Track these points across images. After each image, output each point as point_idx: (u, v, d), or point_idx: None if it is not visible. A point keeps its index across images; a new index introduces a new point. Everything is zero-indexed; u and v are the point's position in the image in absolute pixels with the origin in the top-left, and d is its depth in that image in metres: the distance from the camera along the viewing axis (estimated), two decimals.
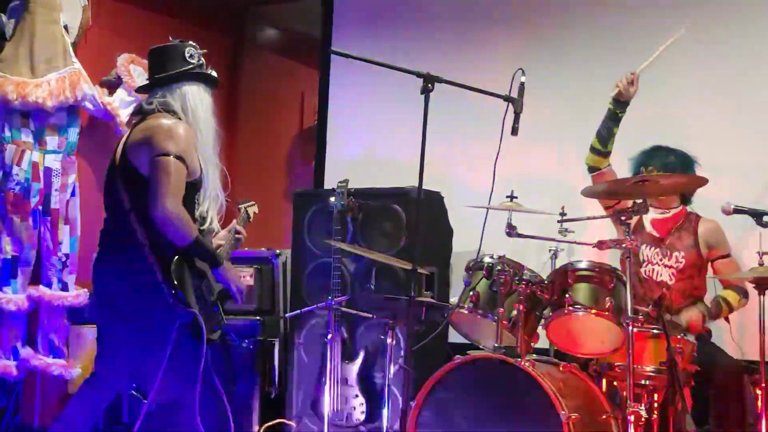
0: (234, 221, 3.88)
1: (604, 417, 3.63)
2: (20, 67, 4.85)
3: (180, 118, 3.48)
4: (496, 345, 3.75)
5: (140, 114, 3.56)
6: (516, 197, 4.05)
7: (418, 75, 3.24)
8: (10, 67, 4.85)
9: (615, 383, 3.84)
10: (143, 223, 3.38)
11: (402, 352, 4.45)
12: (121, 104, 5.23)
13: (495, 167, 3.42)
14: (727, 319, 4.26)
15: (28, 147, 4.88)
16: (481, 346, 4.10)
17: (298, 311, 4.73)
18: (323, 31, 6.06)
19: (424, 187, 3.24)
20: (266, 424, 4.95)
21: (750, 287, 3.86)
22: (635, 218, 4.11)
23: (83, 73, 4.99)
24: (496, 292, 3.80)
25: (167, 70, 3.55)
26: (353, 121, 5.90)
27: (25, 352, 4.85)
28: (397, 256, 4.60)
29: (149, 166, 3.36)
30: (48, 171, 4.93)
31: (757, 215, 3.89)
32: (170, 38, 3.65)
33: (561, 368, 3.76)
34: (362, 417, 4.68)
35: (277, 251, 5.25)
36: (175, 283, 3.35)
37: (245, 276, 5.11)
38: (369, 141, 5.82)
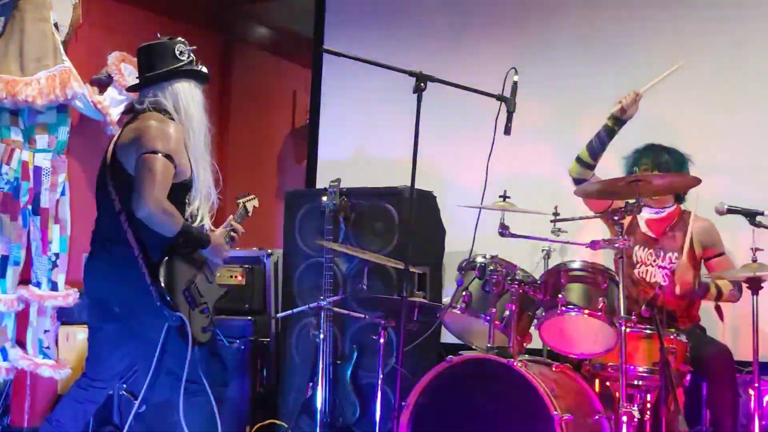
0: (231, 216, 3.87)
1: (596, 417, 3.62)
2: (10, 65, 4.82)
3: (172, 117, 3.46)
4: (488, 345, 3.74)
5: (131, 113, 3.55)
6: (509, 197, 4.03)
7: (411, 74, 3.23)
8: (0, 65, 4.81)
9: (608, 383, 3.83)
10: (133, 224, 3.37)
11: (394, 353, 4.44)
12: (112, 103, 5.20)
13: (488, 167, 3.40)
14: (720, 315, 4.25)
15: (18, 146, 4.85)
16: (473, 347, 4.10)
17: (290, 311, 4.73)
18: (315, 30, 6.04)
19: (416, 186, 3.23)
20: (258, 425, 4.94)
21: (743, 287, 3.85)
22: (628, 218, 4.11)
23: (73, 72, 4.96)
24: (488, 292, 3.80)
25: (157, 69, 3.53)
26: (345, 120, 5.88)
27: (15, 352, 4.82)
28: (389, 256, 4.59)
29: (136, 164, 3.35)
30: (38, 170, 4.90)
31: (750, 215, 3.88)
32: (158, 35, 3.63)
33: (554, 368, 3.75)
34: (354, 417, 4.66)
35: (269, 251, 5.24)
36: (163, 286, 3.34)
37: (235, 276, 5.09)
38: (361, 140, 5.81)
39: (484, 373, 3.66)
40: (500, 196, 4.03)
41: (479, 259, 3.85)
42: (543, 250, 4.57)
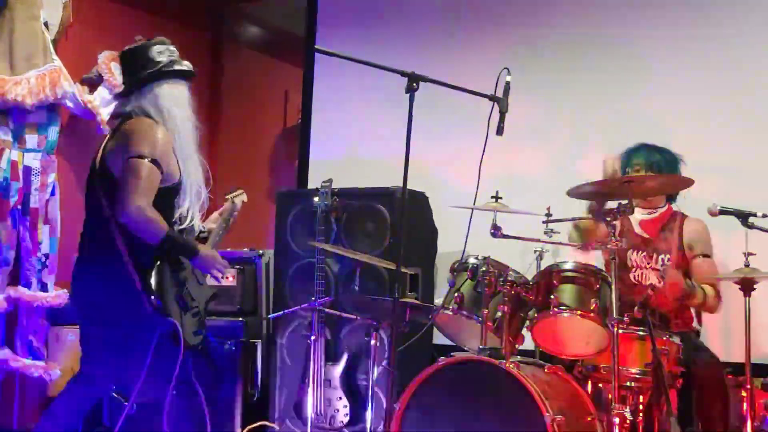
0: (224, 207, 3.85)
1: (589, 419, 3.61)
2: None
3: (157, 121, 3.44)
4: (480, 346, 3.73)
5: (118, 118, 3.54)
6: (501, 198, 4.02)
7: (403, 74, 3.21)
8: None
9: (600, 385, 3.83)
10: (122, 229, 3.35)
11: (386, 354, 4.42)
12: (102, 102, 5.18)
13: (480, 167, 3.39)
14: (698, 319, 4.24)
15: (7, 146, 4.82)
16: (465, 348, 4.09)
17: (281, 312, 4.71)
18: (307, 29, 6.03)
19: (408, 187, 3.21)
20: (249, 427, 4.92)
21: (735, 288, 3.85)
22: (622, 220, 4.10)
23: (64, 71, 4.94)
24: (480, 293, 3.79)
25: (137, 74, 3.51)
26: (337, 120, 5.87)
27: (4, 353, 4.79)
28: (381, 257, 4.58)
29: (122, 168, 3.33)
30: (27, 170, 4.87)
31: (743, 216, 3.88)
32: (136, 38, 3.61)
33: (546, 370, 3.74)
34: (346, 419, 4.65)
35: (260, 252, 5.21)
36: (154, 291, 3.31)
37: (227, 277, 5.06)
38: (353, 140, 5.79)
39: (476, 374, 3.64)
40: (492, 197, 4.02)
41: (471, 260, 3.84)
42: (535, 251, 4.56)
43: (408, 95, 3.18)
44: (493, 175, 3.64)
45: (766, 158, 4.70)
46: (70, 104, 5.02)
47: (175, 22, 5.99)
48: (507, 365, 3.55)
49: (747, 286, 3.78)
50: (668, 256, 4.16)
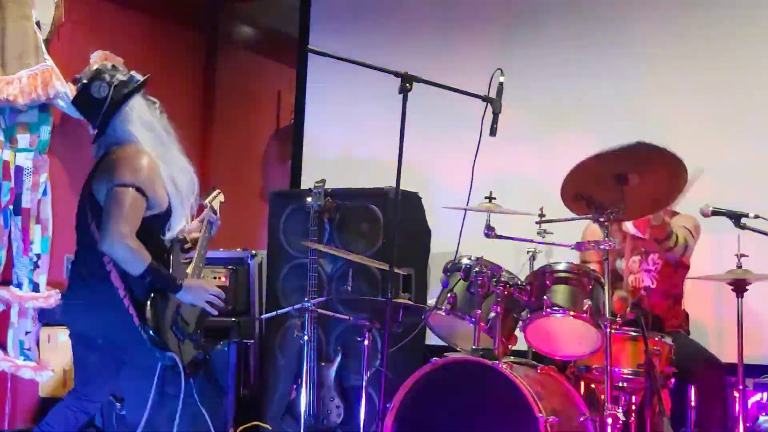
0: (203, 214, 3.84)
1: (581, 419, 3.61)
2: None
3: (140, 148, 3.41)
4: (473, 347, 3.73)
5: (101, 150, 3.50)
6: (494, 198, 4.02)
7: (396, 74, 3.21)
8: None
9: (593, 385, 3.83)
10: (116, 263, 3.33)
11: (379, 354, 4.42)
12: None
13: (473, 168, 3.39)
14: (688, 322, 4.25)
15: None
16: (458, 349, 4.08)
17: (274, 313, 4.70)
18: (300, 29, 6.02)
19: (402, 187, 3.22)
20: (241, 427, 4.91)
21: (728, 289, 3.85)
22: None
23: (56, 71, 4.92)
24: (473, 293, 3.78)
25: (95, 119, 3.46)
26: (330, 120, 5.86)
27: None
28: (374, 257, 4.58)
29: (105, 197, 3.31)
30: (19, 170, 4.86)
31: (735, 217, 3.88)
32: (76, 77, 3.57)
33: (539, 370, 3.74)
34: (339, 419, 4.64)
35: (253, 252, 5.20)
36: (151, 325, 3.31)
37: (219, 277, 5.06)
38: (346, 141, 5.79)
39: (469, 375, 3.64)
40: (485, 197, 4.02)
41: (464, 261, 3.83)
42: (528, 252, 4.56)
43: (401, 96, 3.18)
44: (486, 175, 3.64)
45: (758, 159, 4.72)
46: (62, 104, 5.00)
47: (168, 22, 5.98)
48: (500, 366, 3.55)
49: (739, 287, 3.78)
50: (657, 254, 4.17)
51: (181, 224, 3.51)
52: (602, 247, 3.56)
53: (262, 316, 4.97)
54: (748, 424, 3.89)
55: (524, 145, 5.16)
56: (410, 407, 3.68)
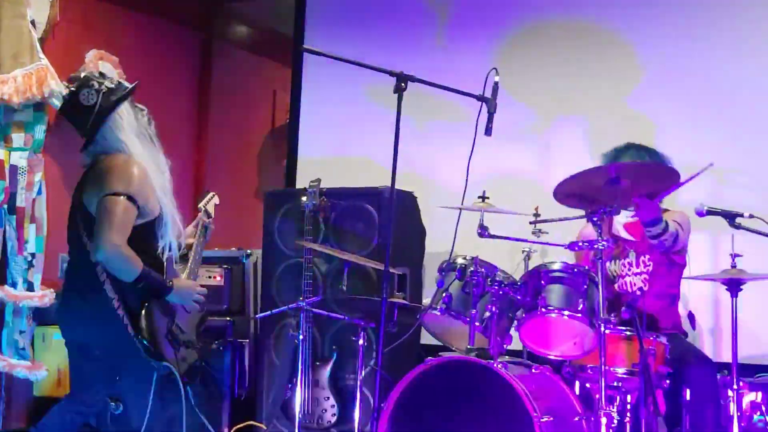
0: (198, 216, 3.84)
1: (576, 419, 3.61)
2: None
3: (129, 156, 3.40)
4: (468, 347, 3.72)
5: (90, 160, 3.49)
6: (488, 198, 4.02)
7: (392, 74, 3.21)
8: None
9: (588, 385, 3.82)
10: (110, 273, 3.32)
11: (374, 354, 4.42)
12: None
13: (468, 167, 3.39)
14: (692, 323, 4.24)
15: None
16: (453, 348, 4.08)
17: (269, 312, 4.69)
18: (296, 29, 6.02)
19: (396, 187, 3.21)
20: (236, 426, 4.90)
21: (722, 289, 3.86)
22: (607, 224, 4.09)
23: (51, 70, 4.91)
24: (468, 293, 3.78)
25: (83, 126, 3.45)
26: (326, 119, 5.86)
27: None
28: (369, 257, 4.57)
29: (97, 206, 3.30)
30: (14, 169, 4.84)
31: (730, 217, 3.88)
32: (71, 77, 3.56)
33: (534, 370, 3.74)
34: (333, 419, 4.64)
35: (248, 251, 5.20)
36: (146, 335, 3.31)
37: (214, 276, 5.05)
38: (341, 140, 5.78)
39: (464, 374, 3.64)
40: (479, 197, 4.02)
41: (459, 260, 3.83)
42: (523, 251, 4.56)
43: (396, 95, 3.17)
44: (481, 175, 3.64)
45: (753, 159, 4.72)
46: (57, 103, 4.98)
47: (164, 21, 5.97)
48: (495, 365, 3.55)
49: (734, 287, 3.79)
50: (648, 255, 4.17)
51: (175, 231, 3.49)
52: (596, 246, 3.56)
53: (257, 316, 4.97)
54: (742, 424, 3.89)
55: (519, 144, 5.16)
56: (405, 407, 3.68)
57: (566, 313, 3.67)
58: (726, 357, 3.90)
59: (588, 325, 3.64)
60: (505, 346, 3.89)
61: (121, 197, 3.27)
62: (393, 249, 3.39)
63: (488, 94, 3.36)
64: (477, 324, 3.75)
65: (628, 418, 3.69)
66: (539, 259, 4.51)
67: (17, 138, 4.88)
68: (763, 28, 4.80)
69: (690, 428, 3.93)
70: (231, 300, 5.12)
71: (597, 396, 3.55)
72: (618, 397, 3.69)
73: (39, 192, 4.93)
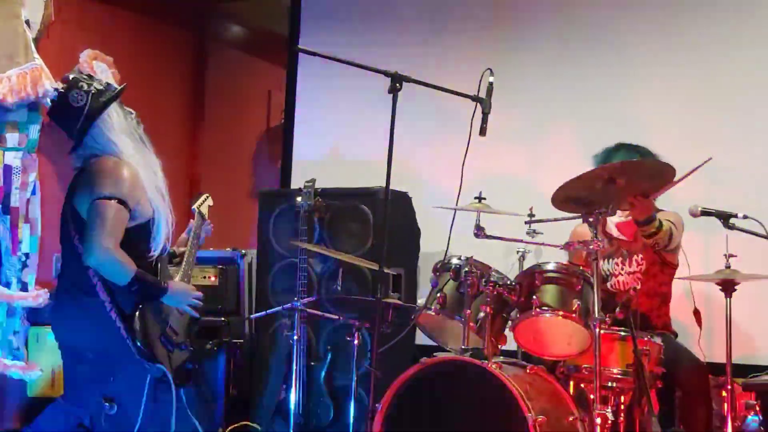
0: (191, 221, 3.83)
1: (570, 419, 3.61)
2: None
3: (116, 156, 3.40)
4: (462, 347, 3.72)
5: (80, 162, 3.47)
6: (484, 198, 4.02)
7: (386, 74, 3.21)
8: None
9: (582, 385, 3.82)
10: (102, 276, 3.32)
11: (368, 354, 4.41)
12: None
13: (463, 168, 3.40)
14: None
15: None
16: (447, 348, 4.08)
17: (264, 312, 4.69)
18: (290, 28, 6.01)
19: (391, 187, 3.21)
20: (231, 426, 4.90)
21: (716, 289, 3.87)
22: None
23: (45, 69, 4.89)
24: (463, 293, 3.78)
25: (72, 129, 3.43)
26: (320, 119, 5.86)
27: None
28: (364, 257, 4.58)
29: (88, 210, 3.29)
30: (8, 169, 4.83)
31: (724, 217, 3.89)
32: (65, 76, 3.54)
33: (528, 370, 3.74)
34: (328, 419, 4.64)
35: (243, 251, 5.20)
36: (140, 337, 3.31)
37: (209, 277, 5.05)
38: (336, 140, 5.78)
39: (458, 375, 3.64)
40: (475, 197, 4.02)
41: (454, 261, 3.84)
42: (518, 252, 4.57)
43: (391, 95, 3.18)
44: (476, 175, 3.64)
45: (747, 160, 4.73)
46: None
47: (158, 21, 5.96)
48: (489, 366, 3.55)
49: (728, 287, 3.79)
50: (641, 255, 4.17)
51: (164, 235, 3.47)
52: (591, 247, 3.57)
53: (252, 316, 4.97)
54: (736, 424, 3.90)
55: (514, 145, 5.16)
56: (399, 407, 3.68)
57: (560, 313, 3.68)
58: (720, 357, 3.90)
59: (582, 326, 3.64)
60: (499, 346, 3.90)
61: (112, 201, 3.26)
62: (388, 249, 3.39)
63: (483, 94, 3.37)
64: (471, 324, 3.75)
65: (622, 418, 3.69)
66: (534, 260, 4.51)
67: (11, 138, 4.87)
68: (757, 27, 4.81)
69: (682, 429, 3.94)
70: (225, 300, 5.11)
71: (591, 396, 3.56)
72: (612, 397, 3.69)
73: (33, 192, 4.91)
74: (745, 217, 3.87)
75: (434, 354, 3.92)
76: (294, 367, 4.57)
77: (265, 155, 7.02)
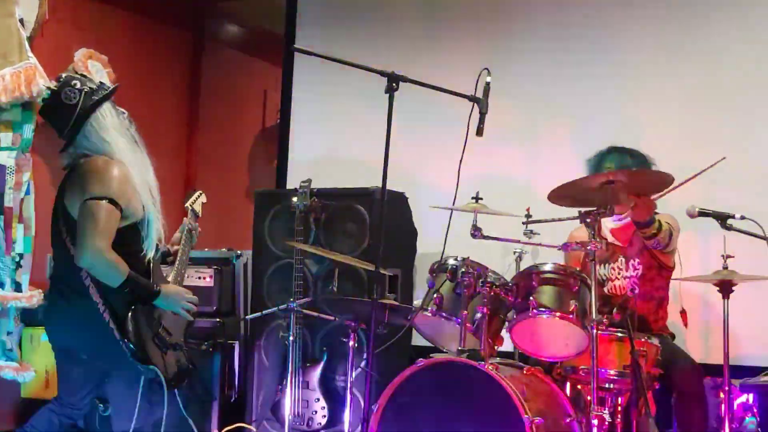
0: (185, 219, 3.81)
1: (567, 421, 3.60)
2: None
3: (110, 158, 3.37)
4: (459, 348, 3.71)
5: (70, 162, 3.46)
6: (481, 198, 4.01)
7: (383, 74, 3.20)
8: None
9: (579, 387, 3.82)
10: (95, 277, 3.30)
11: (364, 355, 4.40)
12: None
13: (460, 168, 3.38)
14: (684, 321, 4.23)
15: None
16: (444, 349, 4.07)
17: (259, 313, 4.68)
18: (287, 28, 6.00)
19: (388, 187, 3.20)
20: (226, 428, 4.88)
21: (714, 291, 3.86)
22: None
23: (39, 69, 4.87)
24: (460, 294, 3.76)
25: (64, 127, 3.42)
26: (317, 120, 5.84)
27: None
28: (360, 258, 4.56)
29: (79, 211, 3.28)
30: (2, 168, 4.81)
31: (721, 218, 3.89)
32: (59, 76, 3.52)
33: (525, 371, 3.73)
34: (323, 421, 4.63)
35: (238, 252, 5.18)
36: (132, 339, 3.29)
37: (204, 277, 5.03)
38: (332, 140, 5.77)
39: (455, 376, 3.62)
40: (472, 198, 4.01)
41: (451, 261, 3.82)
42: (515, 252, 4.56)
43: (388, 95, 3.16)
44: (472, 175, 3.63)
45: (746, 160, 4.72)
46: None
47: (154, 20, 5.95)
48: (486, 367, 3.53)
49: (725, 288, 3.79)
50: (637, 259, 4.16)
51: (155, 234, 3.45)
52: (589, 247, 3.56)
53: (247, 317, 4.95)
54: (734, 425, 3.89)
55: (511, 145, 5.16)
56: (396, 408, 3.66)
57: (558, 314, 3.66)
58: (717, 359, 3.89)
59: (579, 327, 3.63)
60: (496, 347, 3.89)
61: (104, 201, 3.24)
62: (384, 250, 3.39)
63: (480, 94, 3.36)
64: (468, 325, 3.74)
65: (619, 420, 3.69)
66: (531, 260, 4.50)
67: (5, 137, 4.84)
68: (757, 27, 4.81)
69: (678, 430, 3.93)
70: (220, 301, 5.09)
71: (588, 397, 3.55)
72: (609, 399, 3.69)
73: (27, 192, 4.89)
74: (742, 217, 3.87)
75: (431, 355, 3.91)
76: (289, 368, 4.56)
77: (261, 155, 7.01)
